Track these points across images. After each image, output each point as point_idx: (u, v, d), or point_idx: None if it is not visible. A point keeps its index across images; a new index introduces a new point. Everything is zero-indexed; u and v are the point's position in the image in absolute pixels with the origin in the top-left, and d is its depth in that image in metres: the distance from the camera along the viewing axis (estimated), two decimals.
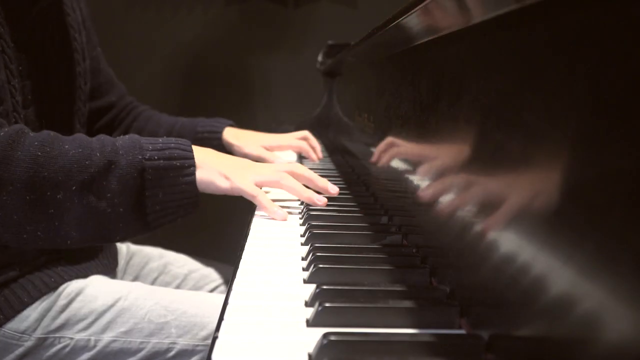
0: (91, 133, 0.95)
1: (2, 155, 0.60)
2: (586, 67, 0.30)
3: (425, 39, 0.61)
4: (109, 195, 0.64)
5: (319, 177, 0.79)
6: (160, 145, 0.68)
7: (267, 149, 1.08)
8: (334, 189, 0.79)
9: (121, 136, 0.70)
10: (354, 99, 1.16)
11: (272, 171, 0.76)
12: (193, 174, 0.68)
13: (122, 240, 0.69)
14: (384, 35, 0.73)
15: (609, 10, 0.28)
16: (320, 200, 0.76)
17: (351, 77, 1.25)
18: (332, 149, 1.33)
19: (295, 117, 1.63)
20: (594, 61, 0.29)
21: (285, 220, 0.73)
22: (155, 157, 0.66)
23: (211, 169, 0.70)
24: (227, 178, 0.71)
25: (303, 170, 0.79)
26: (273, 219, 0.73)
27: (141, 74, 1.85)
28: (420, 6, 0.53)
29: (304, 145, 1.14)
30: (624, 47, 0.26)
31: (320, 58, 1.57)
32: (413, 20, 0.59)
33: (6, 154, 0.61)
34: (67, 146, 0.64)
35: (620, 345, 0.25)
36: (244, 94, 1.89)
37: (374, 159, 0.86)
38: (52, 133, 0.67)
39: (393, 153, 0.75)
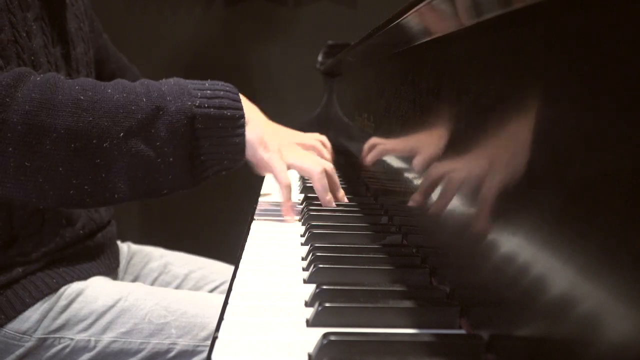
0: None
1: (42, 100, 0.55)
2: (586, 67, 0.30)
3: (425, 39, 0.61)
4: (158, 143, 0.59)
5: (340, 189, 0.81)
6: (209, 92, 0.63)
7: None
8: (343, 199, 0.81)
9: (165, 80, 0.65)
10: (354, 99, 1.16)
11: (312, 163, 0.74)
12: (243, 126, 0.64)
13: (168, 195, 0.64)
14: (384, 35, 0.73)
15: (609, 10, 0.28)
16: (332, 206, 0.77)
17: (351, 77, 1.25)
18: (332, 149, 1.33)
19: (295, 117, 1.63)
20: (595, 61, 0.29)
21: (291, 221, 0.73)
22: (206, 105, 0.61)
23: (256, 130, 0.66)
24: (266, 148, 0.67)
25: (333, 173, 0.79)
26: (285, 214, 0.73)
27: (141, 74, 1.85)
28: (420, 6, 0.53)
29: (323, 150, 1.08)
30: (624, 47, 0.26)
31: (320, 58, 1.57)
32: (413, 20, 0.59)
33: (46, 97, 0.56)
34: (109, 90, 0.60)
35: (620, 345, 0.25)
36: (243, 94, 1.89)
37: (367, 156, 0.86)
38: (89, 78, 0.62)
39: (387, 151, 0.75)
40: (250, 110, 0.68)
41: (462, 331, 0.43)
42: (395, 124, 0.73)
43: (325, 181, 0.75)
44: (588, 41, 0.30)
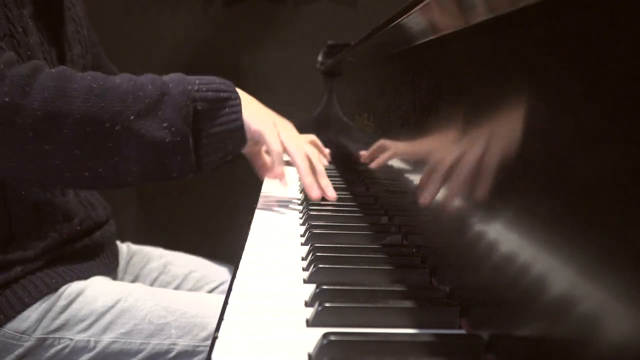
0: None
1: (58, 87, 0.60)
2: (587, 67, 0.30)
3: (425, 39, 0.61)
4: (165, 124, 0.64)
5: (326, 177, 0.82)
6: (206, 80, 0.69)
7: None
8: (332, 194, 0.81)
9: (165, 75, 0.71)
10: (354, 99, 1.16)
11: (297, 144, 0.78)
12: (239, 105, 0.69)
13: (177, 179, 0.68)
14: (384, 35, 0.73)
15: (609, 10, 0.28)
16: (315, 193, 0.78)
17: (351, 77, 1.25)
18: (332, 149, 1.33)
19: (295, 117, 1.63)
20: (595, 61, 0.29)
21: (285, 185, 0.78)
22: (204, 89, 0.67)
23: (250, 108, 0.71)
24: (260, 121, 0.72)
25: (318, 162, 0.81)
26: (275, 178, 0.77)
27: (141, 74, 1.85)
28: (420, 6, 0.53)
29: (314, 152, 1.13)
30: (624, 47, 0.26)
31: (320, 58, 1.57)
32: (413, 20, 0.59)
33: (61, 85, 0.60)
34: (118, 80, 0.65)
35: (620, 345, 0.25)
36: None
37: (370, 158, 0.86)
38: (98, 72, 0.67)
39: (391, 154, 0.75)
40: (244, 95, 0.73)
41: (462, 331, 0.43)
42: (395, 124, 0.73)
43: (305, 164, 0.77)
44: (588, 41, 0.30)
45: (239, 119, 0.68)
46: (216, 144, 0.67)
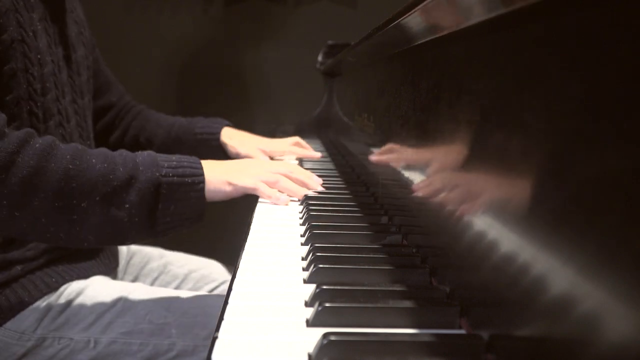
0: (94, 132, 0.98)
1: (38, 166, 0.65)
2: (587, 67, 0.30)
3: (425, 39, 0.61)
4: (127, 206, 0.69)
5: (313, 181, 0.86)
6: (175, 163, 0.74)
7: (262, 152, 1.10)
8: (315, 183, 0.86)
9: (140, 152, 0.76)
10: (354, 99, 1.16)
11: (268, 172, 0.82)
12: (202, 189, 0.74)
13: (130, 243, 0.76)
14: (384, 35, 0.73)
15: (609, 10, 0.28)
16: (300, 193, 0.83)
17: (351, 77, 1.25)
18: (332, 149, 1.33)
19: (295, 117, 1.63)
20: (595, 61, 0.29)
21: (287, 204, 0.81)
22: (170, 174, 0.72)
23: (217, 180, 0.76)
24: (229, 183, 0.77)
25: (299, 173, 0.86)
26: (276, 204, 0.80)
27: (141, 74, 1.85)
28: (420, 6, 0.53)
29: (298, 150, 1.18)
30: (624, 47, 0.26)
31: (320, 58, 1.57)
32: (413, 21, 0.59)
33: (41, 165, 0.66)
34: (94, 160, 0.70)
35: (620, 345, 0.25)
36: (243, 94, 1.89)
37: (374, 160, 0.86)
38: (79, 146, 0.72)
39: (394, 155, 0.75)
40: (210, 169, 0.77)
41: (462, 331, 0.43)
42: (395, 124, 0.73)
43: (287, 184, 0.83)
44: (588, 41, 0.30)
45: (200, 202, 0.74)
46: (174, 222, 0.73)
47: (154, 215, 0.71)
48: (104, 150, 0.74)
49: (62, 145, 0.70)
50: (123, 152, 0.74)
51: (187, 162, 0.75)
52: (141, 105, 1.18)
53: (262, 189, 0.80)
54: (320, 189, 0.87)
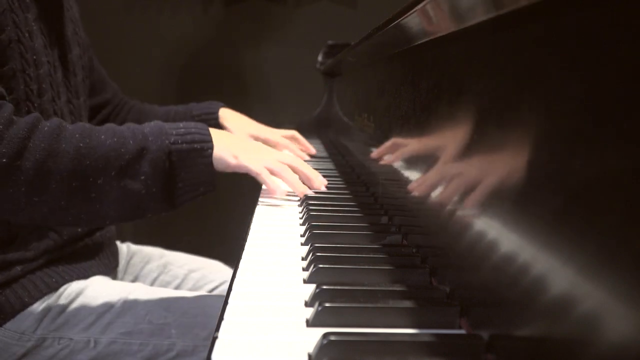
0: None
1: (50, 149, 0.66)
2: (586, 67, 0.30)
3: (425, 39, 0.61)
4: (142, 177, 0.70)
5: (318, 180, 0.86)
6: (183, 130, 0.75)
7: (254, 138, 1.09)
8: (319, 183, 0.86)
9: (147, 123, 0.76)
10: (354, 99, 1.16)
11: (275, 160, 0.82)
12: (210, 155, 0.75)
13: (151, 216, 0.76)
14: (384, 35, 0.73)
15: (609, 10, 0.28)
16: (301, 188, 0.82)
17: (351, 77, 1.25)
18: (332, 149, 1.33)
19: (295, 117, 1.63)
20: (595, 61, 0.29)
21: (285, 195, 0.82)
22: (179, 141, 0.73)
23: (224, 148, 0.77)
24: (235, 157, 0.77)
25: (304, 167, 0.85)
26: (274, 193, 0.81)
27: (141, 74, 1.85)
28: (419, 6, 0.53)
29: (290, 145, 1.14)
30: (623, 47, 0.26)
31: (320, 58, 1.57)
32: (413, 21, 0.59)
33: (53, 147, 0.67)
34: (103, 136, 0.70)
35: (620, 345, 0.25)
36: (243, 94, 1.89)
37: (374, 156, 0.86)
38: (86, 125, 0.73)
39: (394, 155, 0.75)
40: (219, 136, 0.78)
41: (462, 331, 0.43)
42: (395, 124, 0.73)
43: (290, 176, 0.82)
44: (587, 41, 0.30)
45: (209, 167, 0.75)
46: (189, 187, 0.74)
47: (170, 184, 0.72)
48: (111, 125, 0.74)
49: (69, 126, 0.71)
50: (130, 126, 0.75)
51: (195, 129, 0.76)
52: (134, 100, 1.19)
53: (264, 175, 0.79)
54: (323, 189, 0.86)
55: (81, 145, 0.68)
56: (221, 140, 0.77)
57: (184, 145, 0.73)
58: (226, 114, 1.13)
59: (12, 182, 0.65)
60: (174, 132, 0.73)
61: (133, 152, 0.70)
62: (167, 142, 0.72)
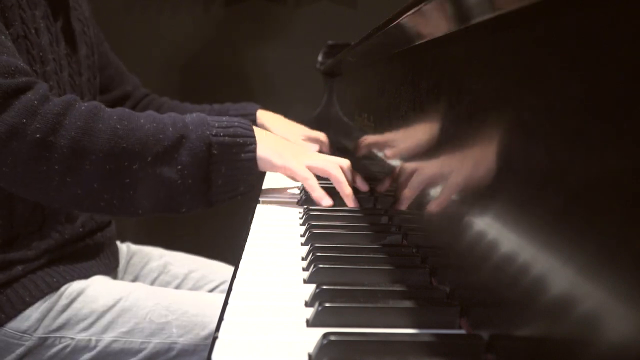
0: None
1: (86, 127, 0.64)
2: (586, 67, 0.30)
3: (425, 39, 0.61)
4: (179, 167, 0.67)
5: (362, 181, 0.81)
6: (225, 123, 0.72)
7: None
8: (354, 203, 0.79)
9: (189, 114, 0.74)
10: (354, 98, 1.16)
11: (324, 160, 0.79)
12: (254, 151, 0.72)
13: (187, 213, 0.72)
14: (384, 35, 0.73)
15: (609, 10, 0.28)
16: (353, 204, 0.77)
17: (351, 77, 1.25)
18: (332, 149, 1.33)
19: (295, 117, 1.63)
20: (595, 61, 0.29)
21: (331, 205, 0.76)
22: (221, 134, 0.70)
23: (268, 148, 0.74)
24: (281, 157, 0.74)
25: (349, 169, 0.81)
26: (319, 204, 0.76)
27: (141, 74, 1.84)
28: (419, 6, 0.53)
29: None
30: (623, 47, 0.26)
31: (320, 58, 1.57)
32: (413, 20, 0.59)
33: (89, 125, 0.65)
34: (142, 120, 0.68)
35: (620, 345, 0.25)
36: (243, 94, 1.89)
37: (363, 147, 0.86)
38: (126, 109, 0.71)
39: (393, 152, 0.75)
40: (263, 135, 0.75)
41: (462, 331, 0.43)
42: (395, 124, 0.73)
43: (340, 175, 0.77)
44: (587, 41, 0.30)
45: (252, 163, 0.71)
46: (229, 185, 0.71)
47: (207, 178, 0.69)
48: (151, 112, 0.73)
49: (108, 109, 0.69)
50: (172, 114, 0.73)
51: (238, 122, 0.73)
52: (164, 97, 1.18)
53: (311, 181, 0.75)
54: (353, 206, 0.78)
55: (118, 127, 0.66)
56: (265, 139, 0.74)
57: (226, 138, 0.70)
58: (265, 115, 1.12)
59: (46, 159, 0.63)
60: (216, 124, 0.71)
61: (172, 139, 0.67)
62: (208, 132, 0.69)
